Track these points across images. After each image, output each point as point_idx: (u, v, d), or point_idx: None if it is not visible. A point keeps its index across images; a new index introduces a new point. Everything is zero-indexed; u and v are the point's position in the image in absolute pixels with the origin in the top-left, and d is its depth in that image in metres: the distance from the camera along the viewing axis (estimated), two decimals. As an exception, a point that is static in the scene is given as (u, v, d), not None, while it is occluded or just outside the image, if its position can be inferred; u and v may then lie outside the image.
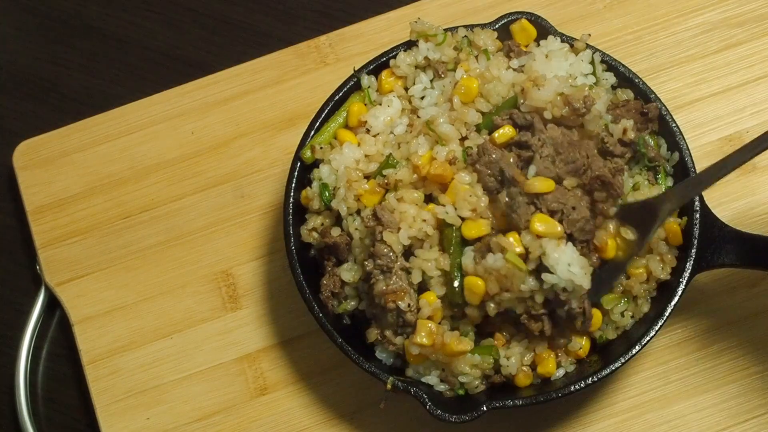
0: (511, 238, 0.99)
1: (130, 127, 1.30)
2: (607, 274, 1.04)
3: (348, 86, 1.15)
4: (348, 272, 1.07)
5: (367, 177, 1.09)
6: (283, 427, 1.17)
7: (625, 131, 1.06)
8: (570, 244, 1.00)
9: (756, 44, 1.28)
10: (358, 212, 1.07)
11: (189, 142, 1.28)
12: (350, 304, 1.08)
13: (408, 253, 1.04)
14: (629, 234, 1.03)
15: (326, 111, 1.14)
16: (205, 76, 1.31)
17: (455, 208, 1.03)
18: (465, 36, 1.14)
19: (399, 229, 1.03)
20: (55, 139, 1.29)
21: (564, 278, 0.98)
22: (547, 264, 0.98)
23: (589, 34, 1.14)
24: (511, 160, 1.03)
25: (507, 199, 1.02)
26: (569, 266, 0.98)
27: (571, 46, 1.13)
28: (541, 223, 1.00)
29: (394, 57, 1.14)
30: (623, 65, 1.13)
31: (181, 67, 1.34)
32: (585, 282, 0.99)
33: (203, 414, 1.18)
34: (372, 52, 1.18)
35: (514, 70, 1.11)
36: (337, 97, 1.14)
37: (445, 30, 1.14)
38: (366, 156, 1.09)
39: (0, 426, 1.22)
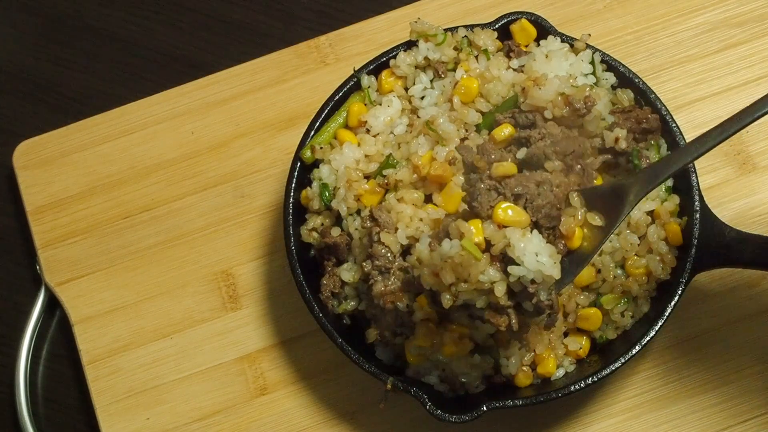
0: (472, 226, 0.93)
1: (130, 127, 1.30)
2: (572, 263, 0.98)
3: (348, 86, 1.15)
4: (348, 272, 1.07)
5: (367, 177, 1.09)
6: (283, 427, 1.17)
7: (617, 140, 1.06)
8: (536, 232, 0.94)
9: (756, 44, 1.28)
10: (358, 212, 1.07)
11: (189, 142, 1.28)
12: (350, 304, 1.08)
13: (407, 253, 1.04)
14: (596, 220, 0.98)
15: (326, 111, 1.14)
16: (205, 76, 1.31)
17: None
18: (465, 36, 1.14)
19: (397, 229, 1.03)
20: (55, 139, 1.29)
21: (533, 269, 0.92)
22: (513, 255, 0.92)
23: (589, 34, 1.14)
24: (474, 149, 0.99)
25: (467, 186, 0.97)
26: (537, 256, 0.92)
27: (571, 46, 1.13)
28: (504, 211, 0.94)
29: (394, 57, 1.14)
30: (623, 65, 1.13)
31: (181, 67, 1.34)
32: (555, 272, 0.93)
33: (203, 414, 1.18)
34: (372, 52, 1.18)
35: (514, 70, 1.11)
36: (337, 97, 1.14)
37: (445, 30, 1.14)
38: (366, 156, 1.09)
39: (0, 426, 1.22)
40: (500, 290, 0.93)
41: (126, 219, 1.26)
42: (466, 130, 1.08)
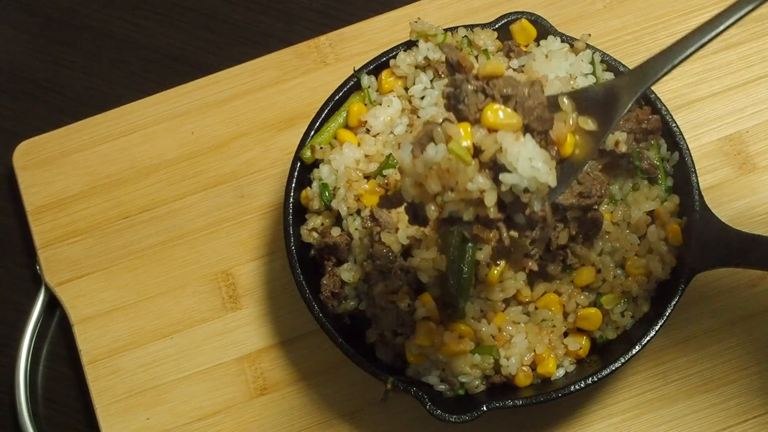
0: (460, 129, 0.85)
1: (130, 127, 1.30)
2: (563, 173, 0.90)
3: (348, 86, 1.15)
4: (348, 272, 1.07)
5: (367, 177, 1.09)
6: (283, 427, 1.17)
7: (617, 143, 1.06)
8: (529, 136, 0.86)
9: (756, 44, 1.28)
10: (358, 212, 1.07)
11: (189, 142, 1.28)
12: (350, 304, 1.08)
13: (407, 253, 1.04)
14: (589, 124, 0.90)
15: (326, 111, 1.14)
16: (205, 76, 1.31)
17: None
18: (465, 36, 1.14)
19: (397, 229, 1.03)
20: (55, 139, 1.29)
21: (527, 176, 0.84)
22: (505, 161, 0.84)
23: (589, 34, 1.14)
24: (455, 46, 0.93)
25: (451, 88, 0.88)
26: (531, 162, 0.84)
27: (571, 46, 1.13)
28: (495, 113, 0.85)
29: (394, 57, 1.14)
30: (623, 65, 1.13)
31: (181, 67, 1.34)
32: (551, 179, 0.85)
33: (203, 414, 1.18)
34: (372, 52, 1.18)
35: (514, 70, 1.11)
36: (337, 97, 1.14)
37: (445, 30, 1.14)
38: (366, 156, 1.09)
39: (0, 426, 1.22)
40: (490, 200, 0.85)
41: (126, 219, 1.26)
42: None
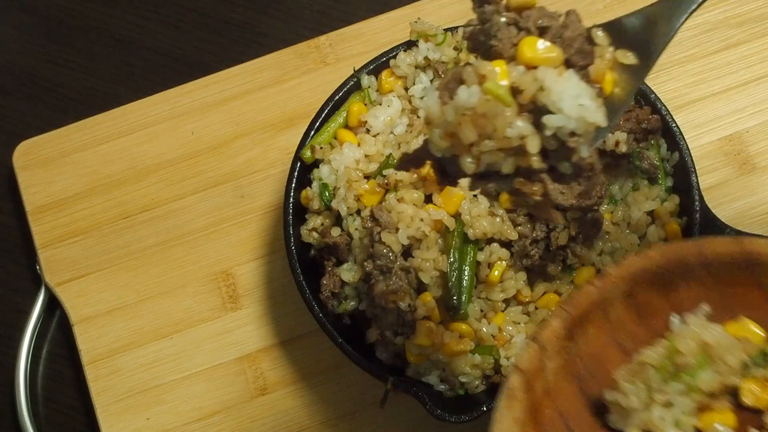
0: (496, 67, 0.75)
1: (130, 127, 1.30)
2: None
3: (348, 86, 1.15)
4: (348, 272, 1.07)
5: (367, 177, 1.09)
6: (283, 427, 1.17)
7: (617, 144, 1.06)
8: (572, 71, 0.76)
9: (756, 44, 1.28)
10: (358, 212, 1.07)
11: (189, 142, 1.28)
12: (350, 304, 1.08)
13: (408, 253, 1.04)
14: (629, 57, 0.80)
15: (326, 111, 1.14)
16: (205, 76, 1.31)
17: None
18: (465, 36, 1.14)
19: (398, 229, 1.04)
20: (55, 139, 1.29)
21: (574, 116, 0.74)
22: (548, 101, 0.74)
23: (589, 34, 1.14)
24: None
25: (480, 25, 0.78)
26: (578, 99, 0.74)
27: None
28: (532, 46, 0.75)
29: (394, 57, 1.14)
30: (623, 65, 1.13)
31: (181, 67, 1.34)
32: (600, 117, 0.75)
33: (203, 414, 1.18)
34: (372, 52, 1.18)
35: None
36: (337, 97, 1.14)
37: (445, 30, 1.14)
38: (366, 156, 1.09)
39: (0, 426, 1.22)
40: (534, 146, 0.75)
41: (126, 219, 1.26)
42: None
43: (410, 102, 1.12)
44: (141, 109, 1.30)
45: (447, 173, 0.81)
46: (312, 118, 1.14)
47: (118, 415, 1.18)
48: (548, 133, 0.75)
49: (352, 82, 1.15)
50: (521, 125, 0.74)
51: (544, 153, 0.76)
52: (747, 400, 0.87)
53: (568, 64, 0.77)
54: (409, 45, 1.15)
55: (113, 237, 1.25)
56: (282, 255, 1.21)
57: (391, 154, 1.08)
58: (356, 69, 1.15)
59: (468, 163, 0.77)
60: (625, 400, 0.88)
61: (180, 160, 1.28)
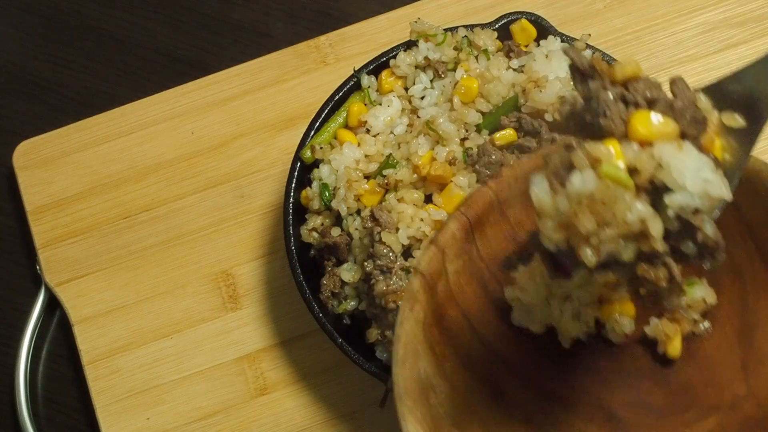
0: (610, 147, 0.69)
1: (130, 127, 1.30)
2: None
3: (348, 86, 1.15)
4: (348, 272, 1.07)
5: (367, 177, 1.09)
6: (283, 427, 1.17)
7: None
8: (688, 143, 0.71)
9: (756, 44, 1.28)
10: (358, 212, 1.07)
11: (189, 142, 1.28)
12: (350, 304, 1.08)
13: (408, 253, 1.04)
14: (737, 119, 0.75)
15: (326, 111, 1.14)
16: (205, 76, 1.31)
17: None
18: (465, 36, 1.14)
19: (398, 229, 1.04)
20: (55, 139, 1.29)
21: (697, 192, 0.69)
22: (668, 179, 0.69)
23: (589, 34, 1.14)
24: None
25: (582, 102, 0.72)
26: (699, 174, 0.69)
27: (571, 46, 1.13)
28: (645, 121, 0.69)
29: (394, 57, 1.14)
30: (623, 65, 1.13)
31: (181, 67, 1.34)
32: (725, 190, 0.70)
33: (203, 414, 1.18)
34: (372, 52, 1.18)
35: (514, 70, 1.11)
36: (337, 97, 1.14)
37: (445, 30, 1.14)
38: (366, 156, 1.09)
39: (0, 426, 1.22)
40: (657, 229, 0.69)
41: (126, 219, 1.26)
42: (467, 130, 1.08)
43: (410, 102, 1.12)
44: (141, 109, 1.30)
45: (560, 266, 0.76)
46: (312, 118, 1.14)
47: (118, 415, 1.18)
48: (671, 213, 0.70)
49: (352, 82, 1.15)
50: (641, 208, 0.69)
51: (666, 234, 0.72)
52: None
53: (683, 136, 0.72)
54: (409, 45, 1.15)
55: (113, 237, 1.25)
56: (282, 255, 1.21)
57: (391, 154, 1.08)
58: (356, 69, 1.15)
59: (588, 255, 0.70)
60: (525, 296, 0.88)
61: (180, 160, 1.28)
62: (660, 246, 0.70)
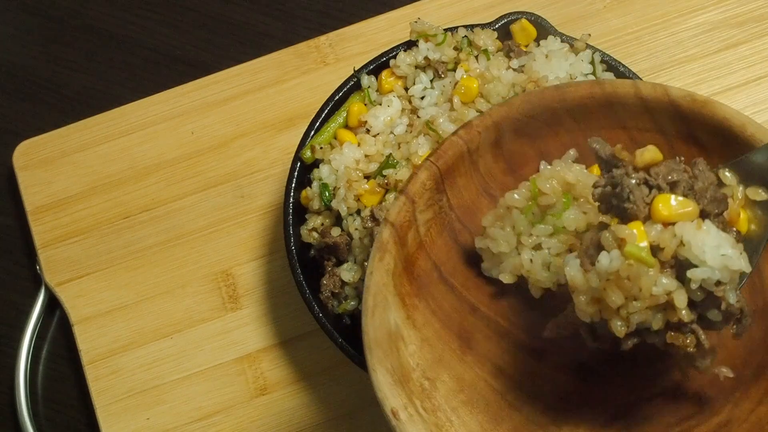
0: (633, 229, 0.77)
1: (130, 127, 1.30)
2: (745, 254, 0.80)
3: (348, 86, 1.15)
4: (348, 272, 1.07)
5: (367, 177, 1.09)
6: (283, 427, 1.17)
7: None
8: (708, 222, 0.78)
9: (756, 44, 1.28)
10: (358, 212, 1.07)
11: (189, 142, 1.28)
12: (350, 304, 1.08)
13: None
14: (761, 194, 0.82)
15: (326, 111, 1.14)
16: (205, 76, 1.31)
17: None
18: (465, 36, 1.14)
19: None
20: (55, 139, 1.29)
21: (717, 267, 0.76)
22: (689, 255, 0.76)
23: (589, 34, 1.14)
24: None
25: (607, 187, 0.80)
26: (719, 250, 0.76)
27: (571, 46, 1.13)
28: (666, 204, 0.77)
29: (394, 57, 1.14)
30: (623, 65, 1.13)
31: (181, 67, 1.34)
32: (744, 264, 0.77)
33: (203, 414, 1.18)
34: (372, 52, 1.18)
35: (514, 70, 1.11)
36: (337, 97, 1.14)
37: (445, 30, 1.14)
38: (366, 156, 1.09)
39: (0, 426, 1.22)
40: (681, 301, 0.77)
41: (126, 219, 1.26)
42: (466, 130, 1.08)
43: (410, 102, 1.12)
44: (141, 109, 1.30)
45: (598, 336, 0.83)
46: (312, 118, 1.14)
47: (118, 415, 1.18)
48: (694, 286, 0.77)
49: (352, 82, 1.15)
50: (666, 282, 0.77)
51: (692, 304, 0.78)
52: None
53: (703, 214, 0.79)
54: (409, 45, 1.15)
55: (113, 237, 1.25)
56: (282, 255, 1.21)
57: (391, 154, 1.08)
58: (356, 69, 1.15)
59: (618, 327, 0.78)
60: (495, 246, 0.89)
61: (180, 160, 1.28)
62: (686, 316, 0.77)
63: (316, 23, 1.35)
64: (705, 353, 0.80)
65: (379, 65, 1.15)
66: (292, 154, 1.14)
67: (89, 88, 1.35)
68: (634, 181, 0.79)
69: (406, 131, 1.10)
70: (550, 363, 0.90)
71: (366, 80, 1.14)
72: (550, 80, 1.07)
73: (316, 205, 1.10)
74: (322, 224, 1.10)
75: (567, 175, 0.87)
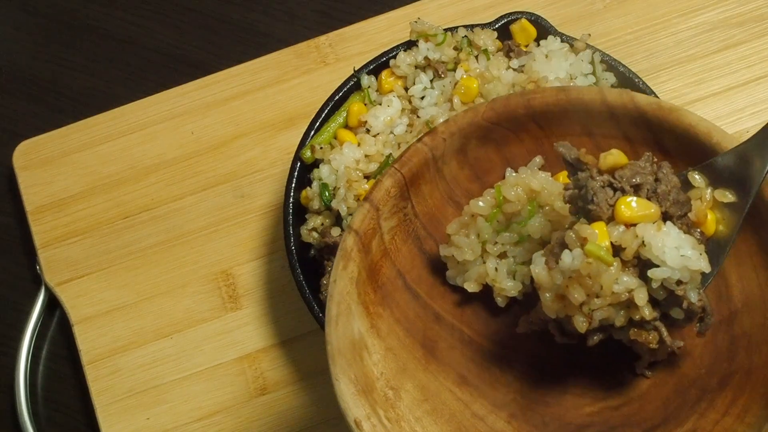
0: (596, 229, 0.80)
1: (130, 127, 1.30)
2: (711, 253, 0.83)
3: (348, 86, 1.15)
4: (348, 272, 1.07)
5: (367, 177, 1.09)
6: (283, 427, 1.17)
7: None
8: (669, 223, 0.81)
9: (756, 44, 1.28)
10: (358, 212, 1.07)
11: (189, 142, 1.28)
12: (350, 304, 1.08)
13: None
14: (728, 196, 0.84)
15: (326, 111, 1.14)
16: (205, 76, 1.31)
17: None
18: (465, 36, 1.14)
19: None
20: (55, 139, 1.29)
21: (677, 267, 0.79)
22: (650, 256, 0.79)
23: (589, 34, 1.14)
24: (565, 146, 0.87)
25: (574, 189, 0.83)
26: (679, 251, 0.79)
27: (571, 46, 1.13)
28: (628, 206, 0.80)
29: (394, 57, 1.14)
30: (623, 65, 1.13)
31: (181, 67, 1.34)
32: (704, 264, 0.79)
33: (203, 414, 1.18)
34: (372, 52, 1.18)
35: (514, 70, 1.11)
36: (337, 97, 1.14)
37: (445, 30, 1.14)
38: (366, 156, 1.09)
39: (0, 426, 1.22)
40: (641, 298, 0.80)
41: (126, 219, 1.26)
42: (466, 130, 1.08)
43: (410, 102, 1.12)
44: (141, 109, 1.30)
45: (566, 332, 0.85)
46: (312, 118, 1.14)
47: (118, 415, 1.18)
48: (655, 285, 0.79)
49: (352, 82, 1.15)
50: (627, 280, 0.79)
51: (655, 302, 0.81)
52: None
53: (666, 216, 0.82)
54: (409, 45, 1.15)
55: (113, 237, 1.25)
56: (282, 255, 1.21)
57: (391, 154, 1.08)
58: (356, 69, 1.15)
59: (581, 322, 0.81)
60: (459, 254, 0.89)
61: (180, 160, 1.28)
62: (647, 313, 0.80)
63: (316, 23, 1.35)
64: (668, 349, 0.83)
65: (379, 65, 1.15)
66: (292, 154, 1.14)
67: (89, 88, 1.35)
68: (598, 184, 0.81)
69: (406, 131, 1.10)
70: (515, 372, 0.89)
71: (366, 80, 1.14)
72: (550, 80, 1.07)
73: (316, 205, 1.10)
74: (322, 224, 1.10)
75: (532, 183, 0.88)
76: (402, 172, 0.88)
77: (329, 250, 1.09)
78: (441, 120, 1.07)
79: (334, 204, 1.08)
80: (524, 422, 0.87)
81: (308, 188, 1.11)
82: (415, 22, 1.15)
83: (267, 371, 1.19)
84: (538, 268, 0.81)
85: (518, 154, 0.92)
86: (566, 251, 0.80)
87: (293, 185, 1.12)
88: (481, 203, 0.88)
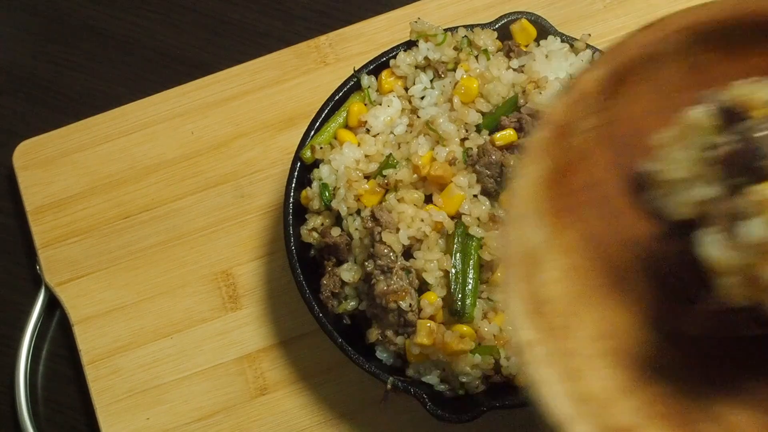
0: None
1: (130, 127, 1.30)
2: None
3: (348, 86, 1.15)
4: (348, 272, 1.07)
5: (367, 177, 1.09)
6: (283, 427, 1.17)
7: None
8: None
9: (756, 44, 1.28)
10: (358, 212, 1.07)
11: (189, 142, 1.28)
12: (350, 304, 1.08)
13: (408, 253, 1.04)
14: None
15: (326, 111, 1.14)
16: (205, 76, 1.31)
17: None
18: (465, 36, 1.14)
19: (398, 229, 1.04)
20: (55, 139, 1.29)
21: None
22: None
23: (589, 34, 1.14)
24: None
25: (734, 145, 0.67)
26: None
27: (571, 46, 1.13)
28: None
29: (394, 57, 1.14)
30: (623, 65, 1.13)
31: (181, 67, 1.34)
32: None
33: (203, 414, 1.18)
34: (372, 52, 1.19)
35: (514, 70, 1.11)
36: (337, 97, 1.14)
37: (445, 30, 1.14)
38: (366, 156, 1.09)
39: (0, 426, 1.22)
40: None
41: (126, 219, 1.26)
42: (467, 131, 1.08)
43: (410, 102, 1.12)
44: (141, 109, 1.30)
45: (759, 320, 0.68)
46: (312, 118, 1.14)
47: (118, 415, 1.18)
48: None
49: (352, 82, 1.15)
50: None
51: None
52: None
53: None
54: (409, 45, 1.15)
55: (113, 237, 1.25)
56: (282, 255, 1.21)
57: (391, 154, 1.08)
58: (356, 69, 1.15)
59: None
60: (670, 172, 0.71)
61: (180, 160, 1.28)
62: None
63: (316, 23, 1.35)
64: None
65: (379, 65, 1.15)
66: (292, 154, 1.14)
67: (89, 88, 1.35)
68: (763, 132, 0.64)
69: (406, 131, 1.10)
70: (710, 315, 0.70)
71: (366, 80, 1.14)
72: (550, 80, 1.07)
73: (316, 205, 1.10)
74: (322, 224, 1.10)
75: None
76: (618, 60, 0.71)
77: (329, 250, 1.09)
78: (441, 120, 1.07)
79: (334, 204, 1.08)
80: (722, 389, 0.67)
81: (308, 188, 1.11)
82: (415, 22, 1.15)
83: (267, 371, 1.19)
84: (713, 250, 0.64)
85: (758, 69, 0.72)
86: (746, 222, 0.63)
87: (293, 185, 1.12)
88: (707, 110, 0.68)
